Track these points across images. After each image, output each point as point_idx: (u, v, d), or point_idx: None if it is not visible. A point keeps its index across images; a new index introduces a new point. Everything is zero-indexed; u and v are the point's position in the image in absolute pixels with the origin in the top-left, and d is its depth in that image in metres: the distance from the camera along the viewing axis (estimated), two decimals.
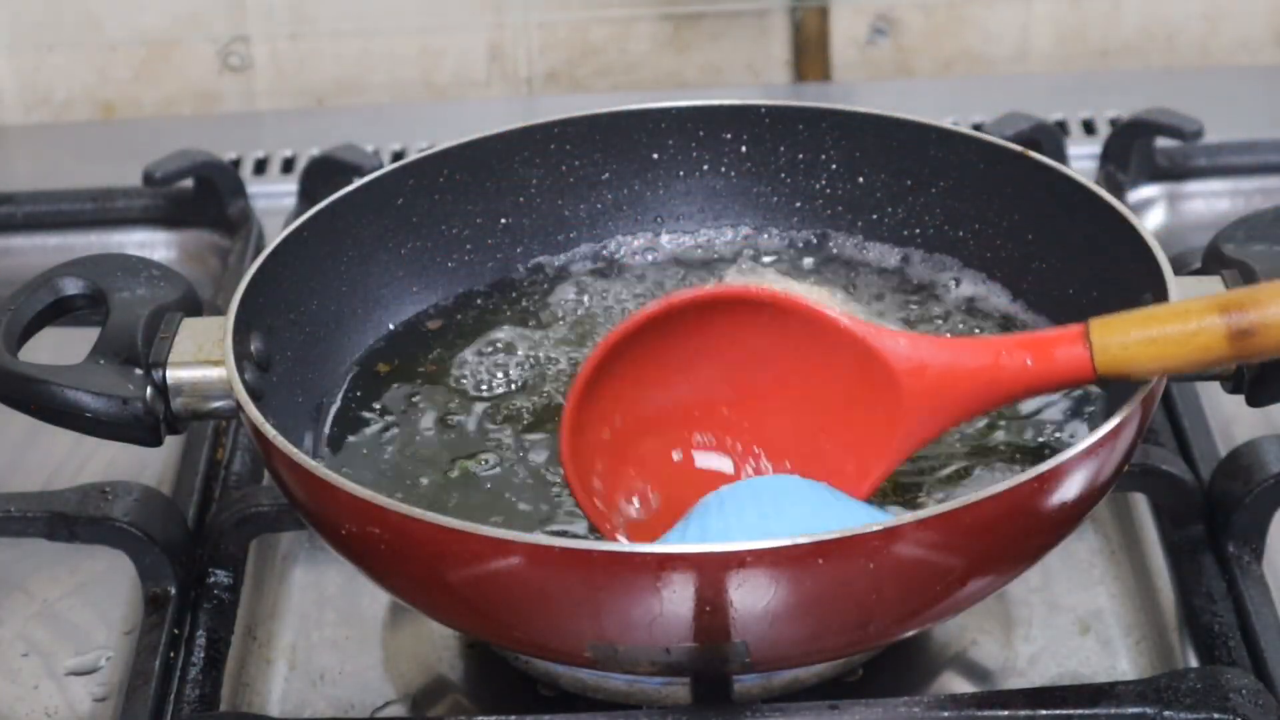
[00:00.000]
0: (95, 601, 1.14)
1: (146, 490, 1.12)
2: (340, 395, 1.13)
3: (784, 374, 1.01)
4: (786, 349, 1.00)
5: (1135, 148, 1.45)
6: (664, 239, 1.23)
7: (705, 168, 1.23)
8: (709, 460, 1.02)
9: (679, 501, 0.99)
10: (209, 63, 1.70)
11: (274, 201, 1.50)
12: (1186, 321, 0.94)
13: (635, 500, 1.01)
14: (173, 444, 1.16)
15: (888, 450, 0.99)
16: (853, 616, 0.93)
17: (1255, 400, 1.04)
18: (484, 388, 1.13)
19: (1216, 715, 0.96)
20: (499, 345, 1.16)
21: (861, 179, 1.21)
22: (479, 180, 1.20)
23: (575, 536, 1.00)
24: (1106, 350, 0.95)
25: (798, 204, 1.23)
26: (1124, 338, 0.95)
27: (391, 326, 1.17)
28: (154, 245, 1.48)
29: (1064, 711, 0.97)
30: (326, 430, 1.10)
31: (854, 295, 1.18)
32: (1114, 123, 1.51)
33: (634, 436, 1.01)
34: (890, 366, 0.98)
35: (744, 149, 1.23)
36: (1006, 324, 1.15)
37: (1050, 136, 1.43)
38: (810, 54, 1.69)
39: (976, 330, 1.14)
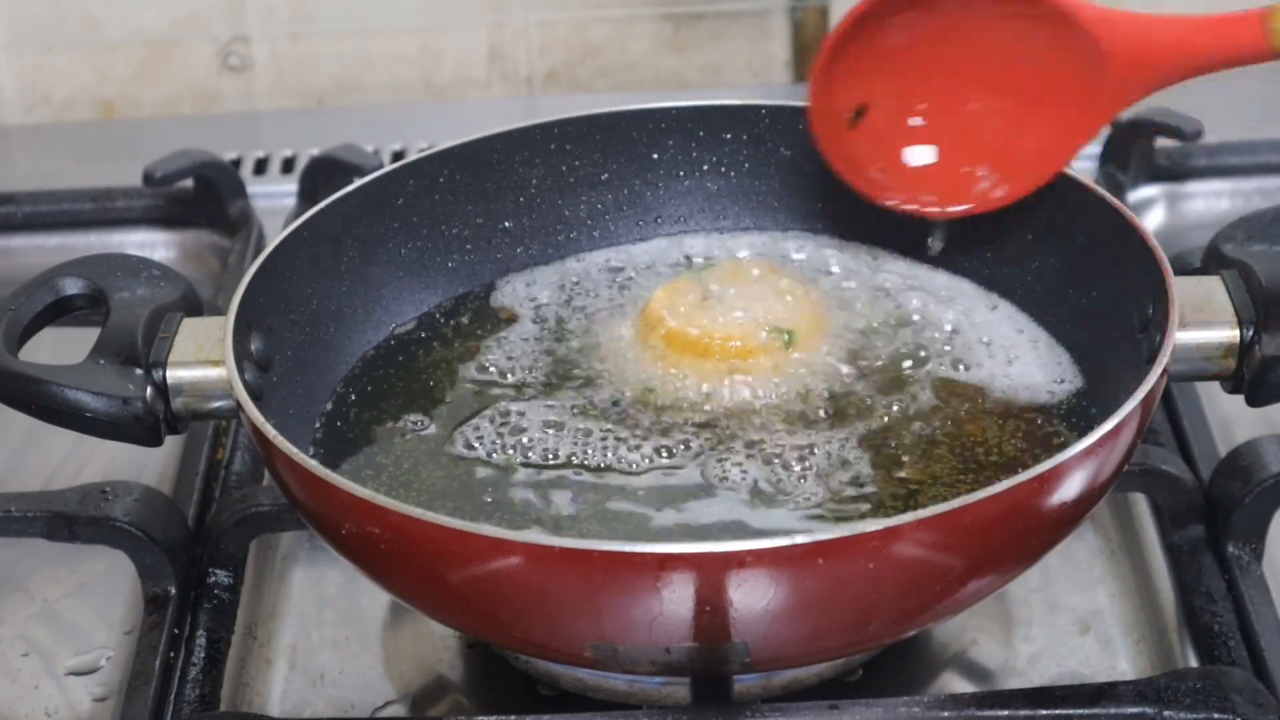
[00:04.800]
0: (95, 601, 1.15)
1: (146, 490, 1.12)
2: (340, 395, 1.13)
3: (1003, 47, 1.12)
4: (1004, 30, 1.12)
5: (1135, 148, 1.45)
6: (664, 239, 1.23)
7: (705, 168, 1.23)
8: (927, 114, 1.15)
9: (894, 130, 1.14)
10: (209, 63, 1.70)
11: (274, 201, 1.50)
12: None
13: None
14: (173, 444, 1.16)
15: (1094, 111, 1.10)
16: (853, 616, 0.93)
17: (1255, 400, 1.04)
18: (484, 388, 1.13)
19: (1216, 715, 0.96)
20: (499, 345, 1.16)
21: None
22: (479, 180, 1.20)
23: (577, 536, 1.01)
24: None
25: (797, 204, 1.23)
26: None
27: (392, 326, 1.17)
28: (154, 245, 1.48)
29: (1064, 711, 0.97)
30: (326, 430, 1.10)
31: (855, 297, 1.18)
32: (1114, 123, 1.51)
33: (875, 69, 1.14)
34: (1097, 38, 1.08)
35: (744, 149, 1.23)
36: (1006, 323, 1.15)
37: None
38: (810, 54, 1.69)
39: (976, 331, 1.14)
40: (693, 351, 1.09)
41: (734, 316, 1.10)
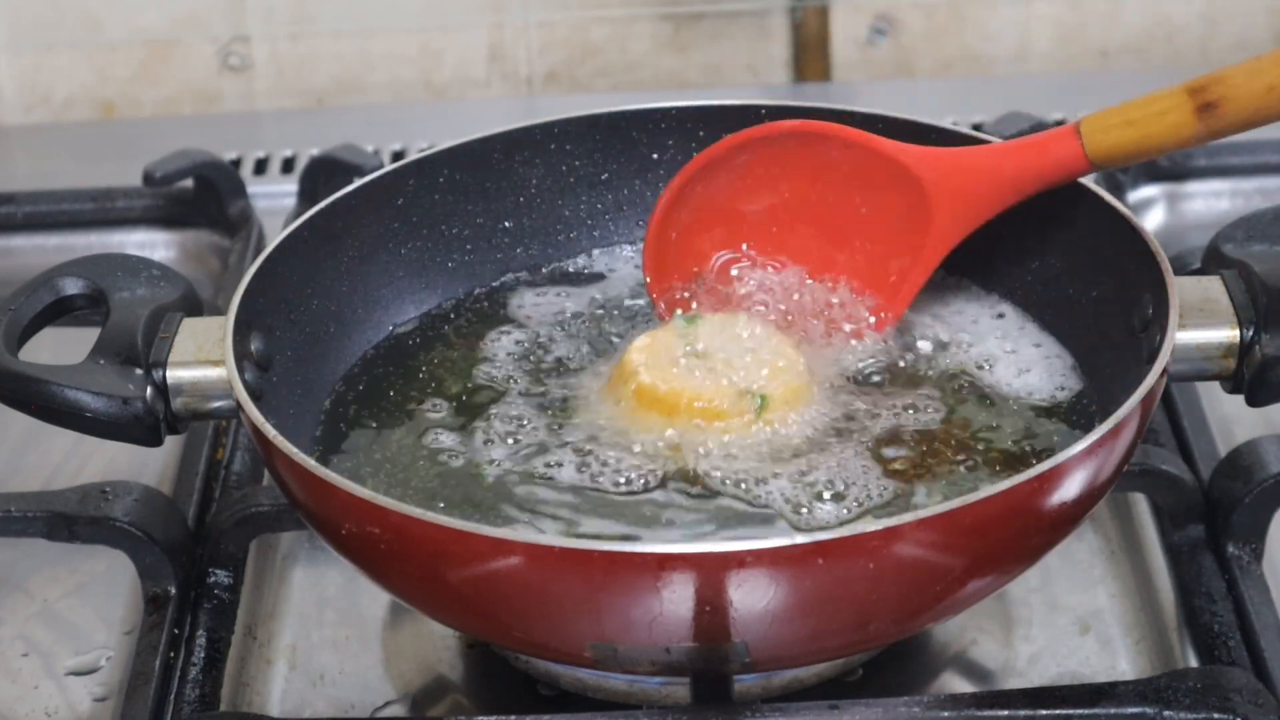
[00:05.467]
0: (95, 601, 1.15)
1: (146, 490, 1.12)
2: (340, 394, 1.13)
3: (825, 196, 1.14)
4: (827, 173, 1.13)
5: None
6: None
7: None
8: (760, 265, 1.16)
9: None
10: (209, 63, 1.70)
11: (274, 201, 1.50)
12: (1158, 103, 1.04)
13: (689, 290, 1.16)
14: (173, 444, 1.16)
15: (922, 254, 1.11)
16: (853, 616, 0.93)
17: (1255, 400, 1.04)
18: (484, 388, 1.13)
19: (1216, 715, 0.96)
20: (498, 345, 1.16)
21: None
22: (479, 180, 1.20)
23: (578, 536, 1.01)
24: (1093, 138, 1.06)
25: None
26: (1105, 124, 1.06)
27: (391, 326, 1.17)
28: (154, 245, 1.48)
29: (1064, 711, 0.97)
30: (326, 430, 1.10)
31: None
32: None
33: (697, 242, 1.16)
34: (918, 175, 1.10)
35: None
36: (1006, 323, 1.15)
37: None
38: (810, 54, 1.69)
39: (978, 333, 1.14)
40: (660, 409, 1.06)
41: (710, 376, 1.06)
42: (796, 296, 1.14)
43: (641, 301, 1.18)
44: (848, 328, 1.13)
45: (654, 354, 1.08)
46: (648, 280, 1.16)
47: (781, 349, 1.08)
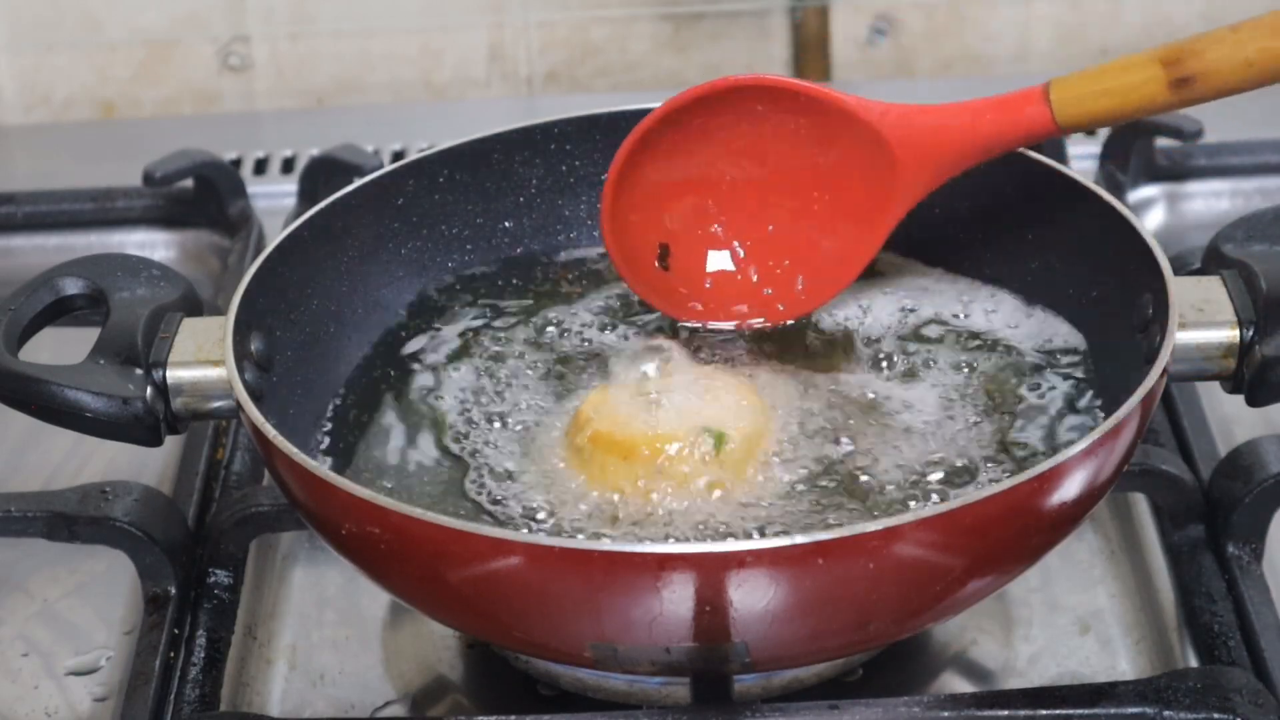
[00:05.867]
0: (95, 601, 1.15)
1: (146, 490, 1.12)
2: (340, 395, 1.13)
3: (790, 153, 1.12)
4: (791, 131, 1.12)
5: (1135, 148, 1.45)
6: None
7: None
8: (726, 230, 1.15)
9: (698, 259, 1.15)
10: (209, 63, 1.70)
11: (274, 201, 1.50)
12: (1131, 73, 1.02)
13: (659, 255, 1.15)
14: (173, 444, 1.16)
15: (889, 207, 1.10)
16: (853, 616, 0.93)
17: (1255, 400, 1.04)
18: (483, 387, 1.13)
19: (1216, 715, 0.96)
20: (498, 346, 1.16)
21: None
22: (479, 180, 1.20)
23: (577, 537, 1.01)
24: (1064, 104, 1.04)
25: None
26: (1079, 91, 1.04)
27: (391, 326, 1.17)
28: (154, 245, 1.48)
29: (1064, 711, 0.97)
30: (326, 430, 1.10)
31: (855, 295, 1.18)
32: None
33: (662, 205, 1.14)
34: (881, 133, 1.08)
35: None
36: (1006, 325, 1.15)
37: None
38: (810, 54, 1.69)
39: (978, 333, 1.14)
40: (617, 453, 1.02)
41: (670, 423, 1.03)
42: (764, 244, 1.14)
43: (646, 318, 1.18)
44: (802, 284, 1.13)
45: (610, 401, 1.05)
46: (610, 250, 1.14)
47: (742, 392, 1.06)
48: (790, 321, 1.15)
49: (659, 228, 1.15)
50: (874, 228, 1.11)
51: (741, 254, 1.15)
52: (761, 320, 1.15)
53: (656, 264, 1.15)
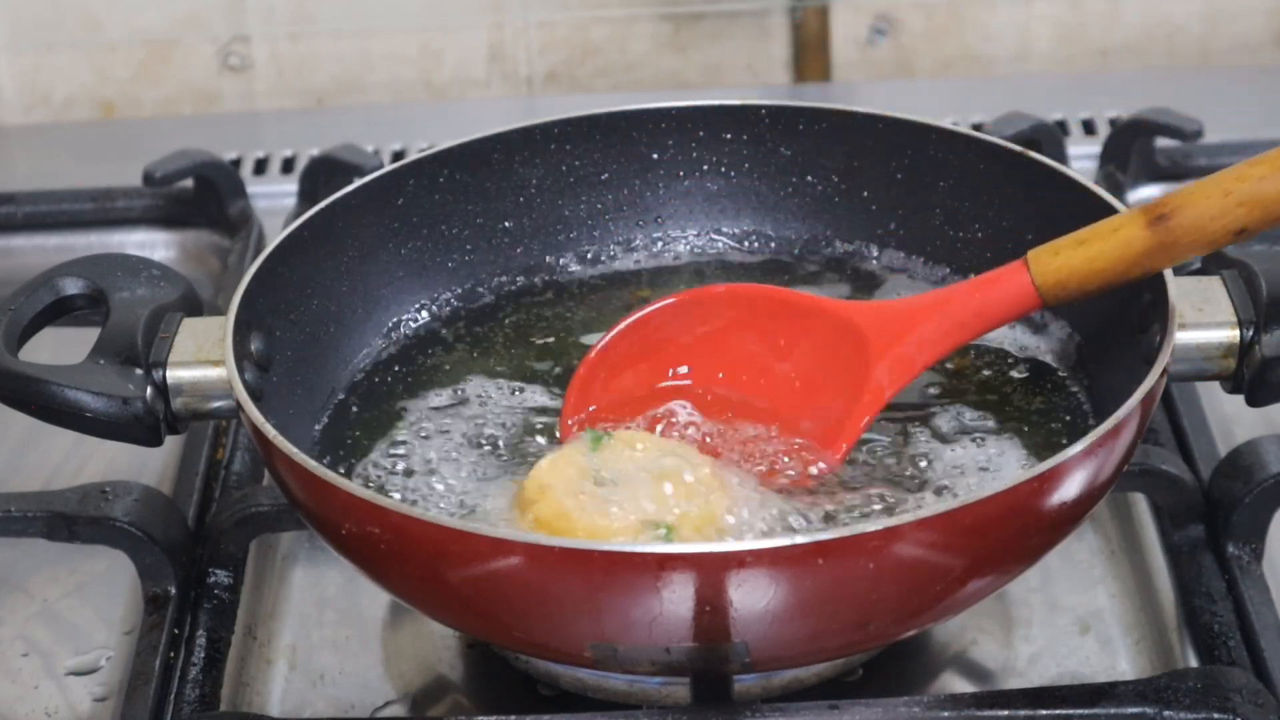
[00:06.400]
0: (95, 601, 1.14)
1: (146, 490, 1.12)
2: (340, 395, 1.13)
3: (761, 352, 1.09)
4: (764, 331, 1.09)
5: (1135, 148, 1.45)
6: (664, 239, 1.23)
7: (705, 168, 1.23)
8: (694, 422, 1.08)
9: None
10: (209, 63, 1.70)
11: (274, 201, 1.50)
12: (1112, 223, 1.01)
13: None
14: (173, 444, 1.16)
15: (864, 401, 1.05)
16: (853, 616, 0.93)
17: (1255, 400, 1.04)
18: (483, 387, 1.13)
19: (1216, 715, 0.96)
20: (498, 346, 1.16)
21: (861, 179, 1.21)
22: (479, 180, 1.20)
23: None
24: (1044, 270, 1.02)
25: (797, 204, 1.23)
26: (1056, 254, 1.02)
27: (391, 326, 1.17)
28: (154, 245, 1.48)
29: (1064, 711, 0.97)
30: (327, 430, 1.10)
31: (854, 295, 1.18)
32: (1114, 123, 1.51)
33: (627, 388, 1.09)
34: (857, 325, 1.06)
35: (744, 149, 1.23)
36: (1005, 325, 1.15)
37: (1050, 136, 1.43)
38: (810, 54, 1.69)
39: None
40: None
41: (614, 507, 0.99)
42: (735, 443, 1.06)
43: (642, 298, 1.18)
44: (788, 476, 1.04)
45: (556, 482, 1.00)
46: (567, 422, 1.08)
47: (694, 465, 1.01)
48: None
49: (625, 399, 1.09)
50: (851, 421, 1.05)
51: (713, 447, 1.06)
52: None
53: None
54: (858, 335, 1.06)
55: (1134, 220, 1.00)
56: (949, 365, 1.11)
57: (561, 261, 1.22)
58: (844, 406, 1.06)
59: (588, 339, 1.16)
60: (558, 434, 1.08)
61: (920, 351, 1.05)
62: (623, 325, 1.09)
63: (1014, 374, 1.11)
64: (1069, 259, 1.01)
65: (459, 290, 1.20)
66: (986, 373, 1.11)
